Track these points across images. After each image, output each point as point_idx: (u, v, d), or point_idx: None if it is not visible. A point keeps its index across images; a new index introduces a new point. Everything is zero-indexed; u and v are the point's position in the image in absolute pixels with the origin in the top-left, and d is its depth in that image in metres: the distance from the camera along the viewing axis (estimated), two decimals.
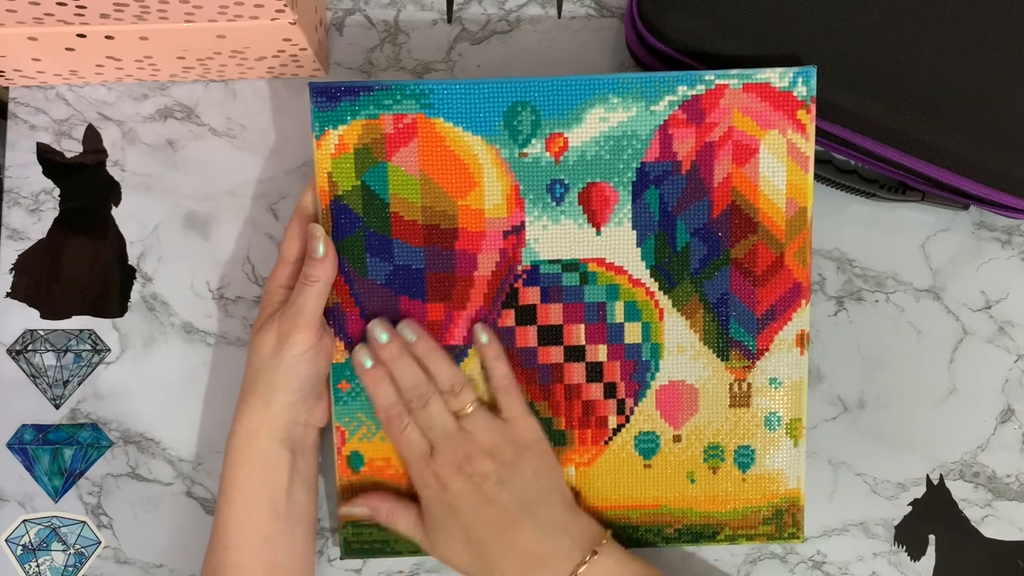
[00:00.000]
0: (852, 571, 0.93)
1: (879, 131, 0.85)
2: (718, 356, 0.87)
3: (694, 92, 0.83)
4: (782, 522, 0.89)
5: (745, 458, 0.88)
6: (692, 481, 0.88)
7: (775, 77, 0.83)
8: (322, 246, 0.82)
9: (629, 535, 0.89)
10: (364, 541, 0.88)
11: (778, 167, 0.84)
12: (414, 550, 0.88)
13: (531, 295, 0.86)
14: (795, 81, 0.83)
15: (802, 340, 0.86)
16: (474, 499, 0.81)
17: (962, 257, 0.94)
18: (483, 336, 0.85)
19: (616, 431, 0.87)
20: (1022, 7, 0.84)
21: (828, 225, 0.93)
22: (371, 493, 0.87)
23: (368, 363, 0.84)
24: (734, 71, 0.83)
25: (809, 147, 0.84)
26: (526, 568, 0.80)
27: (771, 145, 0.84)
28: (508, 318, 0.86)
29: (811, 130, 0.84)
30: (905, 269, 0.93)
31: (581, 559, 0.80)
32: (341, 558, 0.89)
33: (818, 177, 0.90)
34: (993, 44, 0.84)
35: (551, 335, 0.86)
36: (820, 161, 0.91)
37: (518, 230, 0.85)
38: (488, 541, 0.81)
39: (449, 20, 0.95)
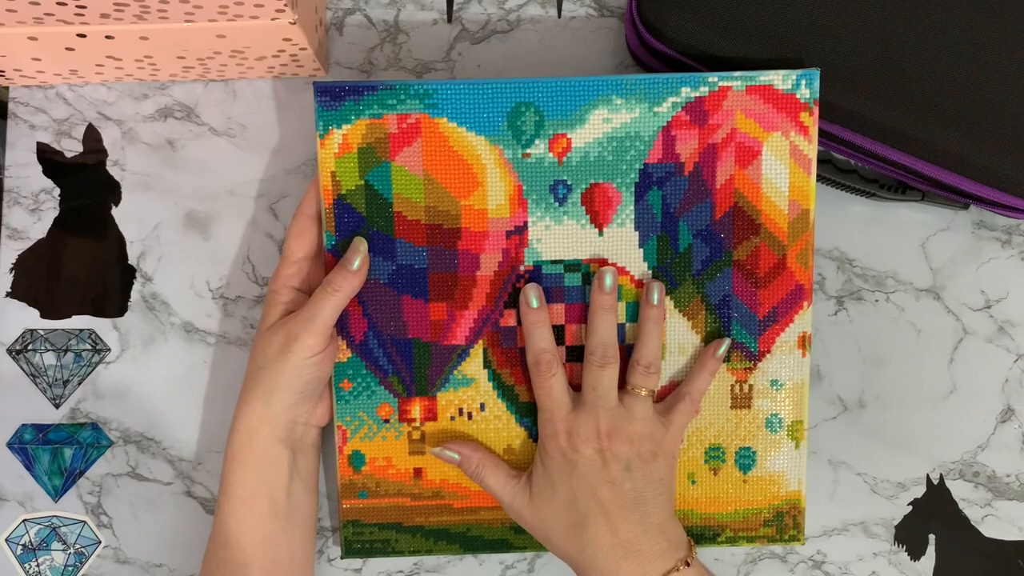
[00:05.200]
0: (852, 571, 0.93)
1: (879, 131, 0.85)
2: None
3: (697, 94, 0.83)
4: (783, 524, 0.89)
5: (746, 460, 0.88)
6: (693, 482, 0.88)
7: (778, 79, 0.83)
8: (359, 261, 0.83)
9: None
10: (364, 541, 0.89)
11: (781, 169, 0.84)
12: (414, 550, 0.89)
13: None
14: (798, 83, 0.83)
15: (804, 342, 0.86)
16: (597, 473, 0.81)
17: (962, 257, 0.94)
18: (720, 350, 0.86)
19: None
20: (1022, 7, 0.84)
21: (828, 225, 0.93)
22: (463, 442, 0.87)
23: (535, 303, 0.84)
24: (737, 73, 0.83)
25: (812, 149, 0.84)
26: (618, 556, 0.80)
27: (774, 147, 0.84)
28: (510, 318, 0.86)
29: (814, 132, 0.84)
30: (905, 269, 0.93)
31: (674, 565, 0.80)
32: (342, 558, 0.89)
33: (818, 177, 0.90)
34: (993, 44, 0.84)
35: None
36: (820, 161, 0.91)
37: (521, 230, 0.85)
38: (591, 517, 0.80)
39: (449, 20, 0.95)
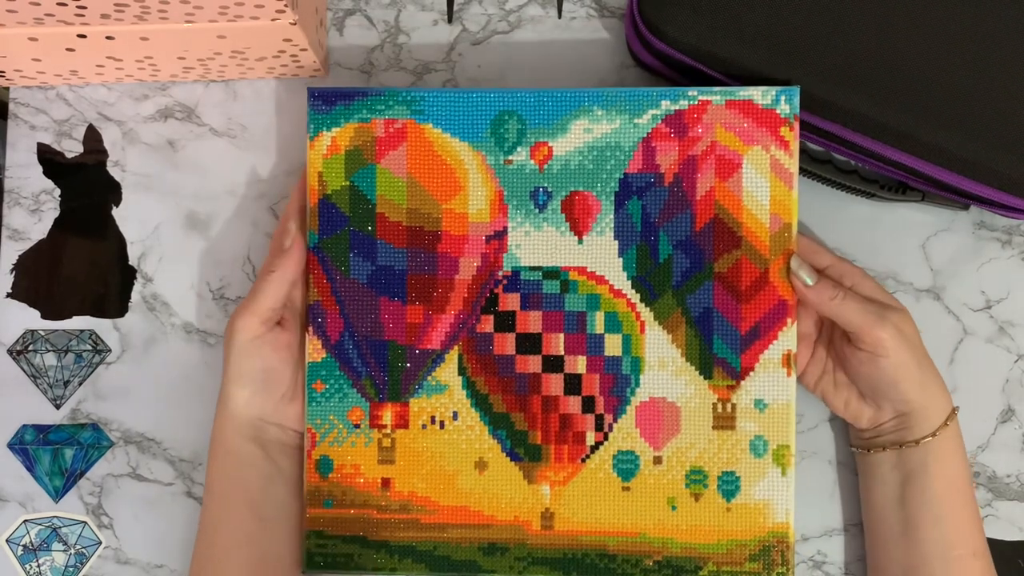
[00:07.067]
0: (852, 571, 0.92)
1: (879, 130, 0.84)
2: (701, 374, 0.85)
3: (677, 107, 0.84)
4: (770, 560, 0.85)
5: (729, 485, 0.86)
6: (673, 508, 0.86)
7: (758, 95, 0.83)
8: (289, 240, 0.83)
9: (605, 565, 0.86)
10: (327, 554, 0.87)
11: (761, 182, 0.84)
12: (377, 568, 0.87)
13: (511, 301, 0.86)
14: (778, 99, 0.83)
15: (789, 360, 0.85)
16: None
17: (962, 257, 0.93)
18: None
19: (594, 449, 0.86)
20: (1022, 7, 0.84)
21: (828, 225, 0.93)
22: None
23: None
24: (717, 88, 0.83)
25: (793, 164, 0.83)
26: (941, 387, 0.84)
27: (754, 160, 0.84)
28: (487, 324, 0.86)
29: (795, 147, 0.83)
30: (905, 269, 0.93)
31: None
32: (303, 572, 0.87)
33: (818, 177, 0.90)
34: (994, 44, 0.83)
35: (529, 343, 0.86)
36: (820, 161, 0.91)
37: (500, 235, 0.85)
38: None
39: (449, 20, 0.95)
